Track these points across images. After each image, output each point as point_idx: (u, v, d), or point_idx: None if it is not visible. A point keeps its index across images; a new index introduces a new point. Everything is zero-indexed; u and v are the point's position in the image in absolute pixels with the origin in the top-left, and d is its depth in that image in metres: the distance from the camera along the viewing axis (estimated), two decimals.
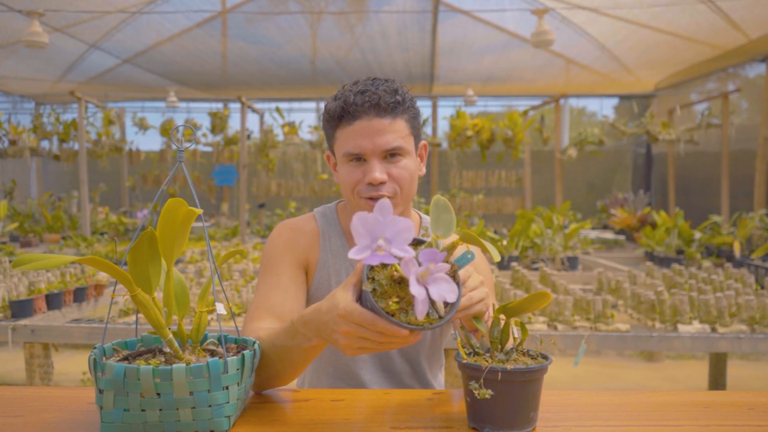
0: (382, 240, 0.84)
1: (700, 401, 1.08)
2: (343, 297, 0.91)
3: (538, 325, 2.81)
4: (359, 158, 1.25)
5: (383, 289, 0.89)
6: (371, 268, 0.92)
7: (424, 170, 1.36)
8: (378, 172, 1.23)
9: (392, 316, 0.87)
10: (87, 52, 7.49)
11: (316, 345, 1.02)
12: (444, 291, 0.85)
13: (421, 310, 0.83)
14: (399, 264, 0.85)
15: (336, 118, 1.26)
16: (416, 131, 1.31)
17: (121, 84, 9.07)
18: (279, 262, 1.33)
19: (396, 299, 0.89)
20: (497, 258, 0.89)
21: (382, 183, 1.24)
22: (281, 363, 1.08)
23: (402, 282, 0.90)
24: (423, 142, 1.36)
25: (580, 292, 3.23)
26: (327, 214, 1.42)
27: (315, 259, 1.37)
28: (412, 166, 1.28)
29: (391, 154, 1.25)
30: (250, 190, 8.91)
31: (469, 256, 0.90)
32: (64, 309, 3.21)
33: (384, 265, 0.92)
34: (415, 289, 0.83)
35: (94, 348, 0.95)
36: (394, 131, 1.24)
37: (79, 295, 3.35)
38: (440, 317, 0.89)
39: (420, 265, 0.85)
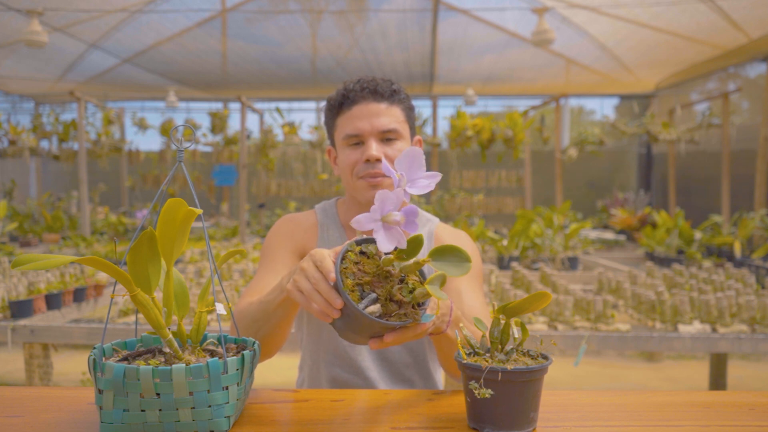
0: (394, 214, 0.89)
1: (701, 401, 1.08)
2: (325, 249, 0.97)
3: (539, 326, 2.81)
4: (358, 141, 1.34)
5: (357, 259, 0.93)
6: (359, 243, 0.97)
7: None
8: (375, 150, 1.31)
9: (342, 283, 0.89)
10: (86, 52, 7.49)
11: (287, 298, 1.07)
12: (382, 241, 0.87)
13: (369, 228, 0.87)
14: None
15: (337, 106, 1.36)
16: (411, 122, 1.40)
17: (121, 84, 9.07)
18: (276, 250, 1.41)
19: (346, 264, 0.91)
20: (444, 297, 0.85)
21: (378, 160, 1.32)
22: (257, 322, 1.16)
23: (372, 257, 0.94)
24: (417, 137, 1.44)
25: (581, 293, 3.23)
26: (327, 208, 1.50)
27: (312, 247, 1.42)
28: None
29: (388, 137, 1.34)
30: (249, 190, 8.90)
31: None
32: (63, 309, 3.20)
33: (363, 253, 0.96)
34: (376, 208, 0.86)
35: (94, 348, 0.95)
36: (390, 115, 1.34)
37: (79, 295, 3.34)
38: (383, 320, 0.88)
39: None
